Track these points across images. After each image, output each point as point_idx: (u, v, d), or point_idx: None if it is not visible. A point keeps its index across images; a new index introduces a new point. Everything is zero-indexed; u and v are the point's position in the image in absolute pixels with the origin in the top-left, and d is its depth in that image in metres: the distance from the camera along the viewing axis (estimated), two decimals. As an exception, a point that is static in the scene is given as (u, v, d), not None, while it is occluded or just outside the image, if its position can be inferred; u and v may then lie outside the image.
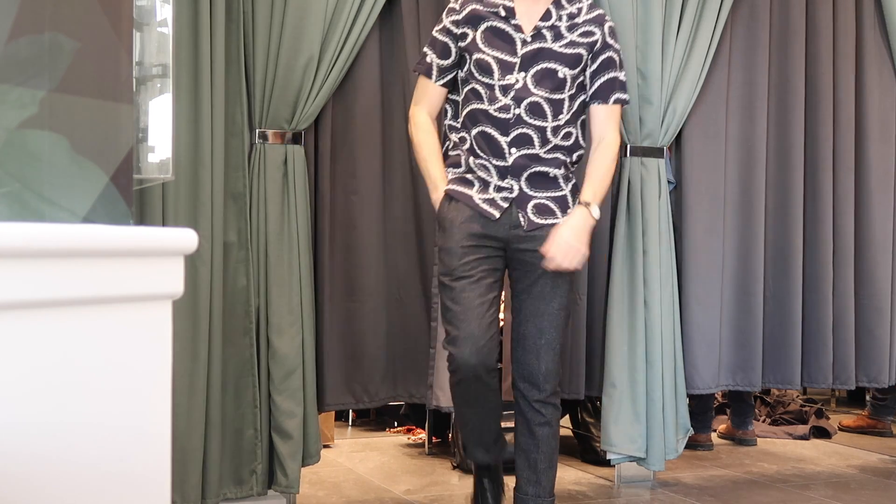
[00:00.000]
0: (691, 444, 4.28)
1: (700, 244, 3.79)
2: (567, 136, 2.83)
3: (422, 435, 4.53)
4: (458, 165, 2.84)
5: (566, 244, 2.71)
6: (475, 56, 2.80)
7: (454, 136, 2.88)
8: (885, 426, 4.97)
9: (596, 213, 2.77)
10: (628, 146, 3.64)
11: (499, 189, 2.79)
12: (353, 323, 3.36)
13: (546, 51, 2.80)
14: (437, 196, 2.83)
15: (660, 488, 3.73)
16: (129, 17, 1.50)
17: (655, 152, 3.66)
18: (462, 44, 2.83)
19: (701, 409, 4.45)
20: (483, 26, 2.81)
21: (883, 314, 4.04)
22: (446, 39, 2.85)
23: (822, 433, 4.93)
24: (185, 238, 1.38)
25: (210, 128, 3.01)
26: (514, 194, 2.79)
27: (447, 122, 2.91)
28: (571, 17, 2.83)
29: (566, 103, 2.80)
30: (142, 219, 2.87)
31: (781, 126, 3.93)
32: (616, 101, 2.86)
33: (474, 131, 2.80)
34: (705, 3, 3.69)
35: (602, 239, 3.67)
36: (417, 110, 2.89)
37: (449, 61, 2.86)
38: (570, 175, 2.87)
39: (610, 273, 3.63)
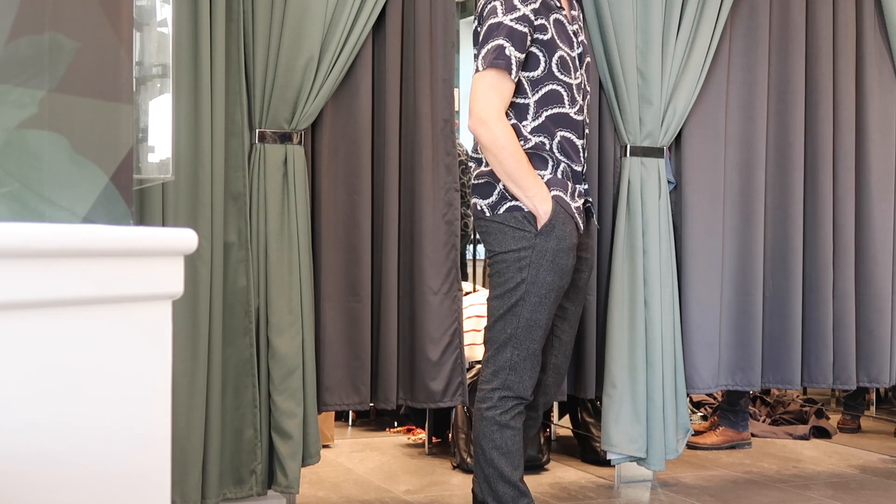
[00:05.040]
0: (728, 445, 4.52)
1: (700, 244, 3.79)
2: None
3: (422, 435, 4.53)
4: (542, 168, 2.55)
5: None
6: (558, 53, 2.49)
7: (529, 144, 2.52)
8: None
9: None
10: (628, 146, 3.64)
11: (578, 194, 2.61)
12: (354, 323, 3.36)
13: (584, 43, 2.63)
14: (548, 207, 2.48)
15: (660, 488, 3.73)
16: (129, 17, 1.50)
17: (655, 152, 3.66)
18: (542, 37, 2.46)
19: (731, 404, 4.55)
20: (553, 17, 2.49)
21: (883, 314, 4.04)
22: (526, 30, 2.45)
23: (822, 433, 4.93)
24: (185, 238, 1.38)
25: (210, 128, 3.01)
26: (584, 199, 2.66)
27: (522, 129, 2.55)
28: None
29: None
30: (142, 219, 2.87)
31: (781, 126, 3.93)
32: None
33: (557, 136, 2.53)
34: (705, 3, 3.69)
35: (603, 239, 3.67)
36: (499, 114, 2.46)
37: (524, 55, 2.47)
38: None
39: (610, 273, 3.62)
